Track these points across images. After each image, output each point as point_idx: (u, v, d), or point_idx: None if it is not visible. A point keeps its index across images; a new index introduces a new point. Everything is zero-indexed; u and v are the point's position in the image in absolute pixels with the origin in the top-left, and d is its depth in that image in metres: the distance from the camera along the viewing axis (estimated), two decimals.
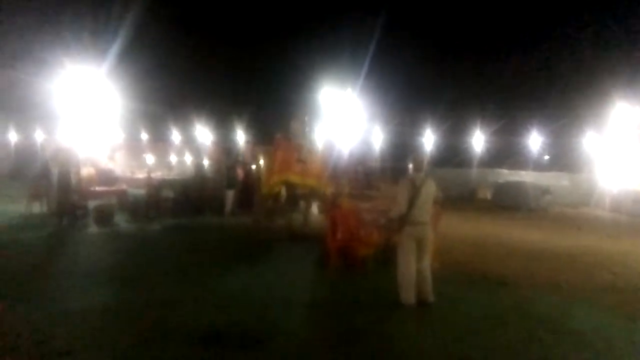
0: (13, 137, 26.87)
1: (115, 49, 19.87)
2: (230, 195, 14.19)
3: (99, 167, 25.72)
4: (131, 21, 20.30)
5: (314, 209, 12.76)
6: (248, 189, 14.33)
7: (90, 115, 19.55)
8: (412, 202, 5.19)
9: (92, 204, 12.68)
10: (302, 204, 11.68)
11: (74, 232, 10.16)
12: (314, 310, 5.31)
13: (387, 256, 7.09)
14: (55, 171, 13.49)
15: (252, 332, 4.59)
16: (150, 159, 30.18)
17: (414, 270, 5.33)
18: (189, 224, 11.83)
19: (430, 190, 5.37)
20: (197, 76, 28.97)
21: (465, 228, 12.59)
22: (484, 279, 6.93)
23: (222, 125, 23.92)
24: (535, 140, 20.15)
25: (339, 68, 19.15)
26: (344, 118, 15.78)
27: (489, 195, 24.26)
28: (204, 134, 23.58)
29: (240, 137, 23.41)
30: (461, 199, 22.88)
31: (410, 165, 5.65)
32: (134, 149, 29.74)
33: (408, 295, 5.34)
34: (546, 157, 26.69)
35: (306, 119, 10.86)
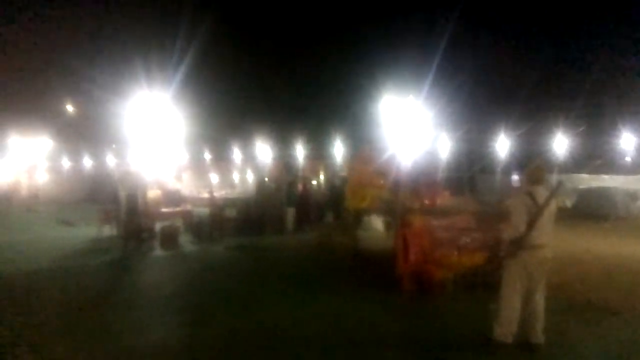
0: (88, 162, 28.55)
1: (179, 72, 20.50)
2: (290, 212, 13.84)
3: (167, 188, 26.72)
4: (195, 43, 20.89)
5: (379, 224, 12.07)
6: (307, 206, 13.92)
7: (158, 139, 20.26)
8: (531, 222, 4.22)
9: (158, 225, 12.85)
10: (366, 220, 11.06)
11: (139, 256, 10.17)
12: (387, 350, 4.60)
13: (471, 280, 6.29)
14: (123, 194, 13.88)
15: None
16: (214, 178, 30.91)
17: (518, 303, 4.40)
18: (252, 244, 11.55)
19: (552, 207, 4.38)
20: (257, 93, 29.41)
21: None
22: (590, 305, 5.88)
23: (282, 141, 23.90)
24: (625, 141, 18.11)
25: (402, 74, 18.46)
26: (407, 127, 14.96)
27: (569, 204, 22.25)
28: (264, 150, 23.65)
29: (300, 152, 23.20)
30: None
31: (527, 176, 4.58)
32: (198, 169, 30.59)
33: (505, 332, 4.41)
34: (627, 159, 24.11)
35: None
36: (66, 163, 27.77)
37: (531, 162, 4.74)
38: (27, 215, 21.15)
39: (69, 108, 27.25)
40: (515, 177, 22.34)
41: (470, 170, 25.07)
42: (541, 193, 4.36)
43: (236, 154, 26.38)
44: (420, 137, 15.55)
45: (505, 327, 4.42)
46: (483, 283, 6.28)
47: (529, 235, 4.23)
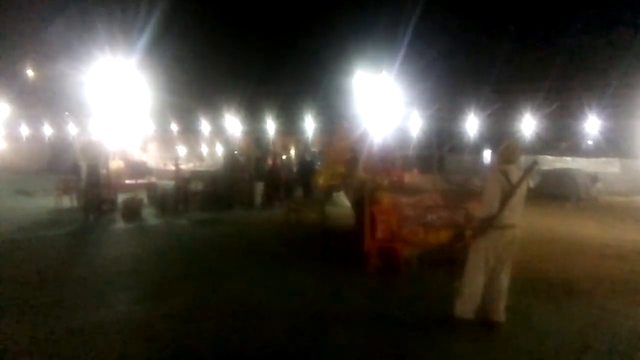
0: (48, 131, 27.28)
1: (144, 39, 19.59)
2: (259, 187, 13.64)
3: (132, 159, 25.89)
4: (160, 11, 19.95)
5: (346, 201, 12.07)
6: (276, 181, 13.74)
7: (122, 108, 19.45)
8: (504, 201, 4.17)
9: (121, 197, 12.42)
10: (336, 196, 11.00)
11: (99, 229, 9.80)
12: (352, 326, 4.56)
13: (436, 258, 6.32)
14: (84, 165, 13.32)
15: (281, 354, 3.93)
16: (181, 150, 30.14)
17: (482, 281, 4.39)
18: (218, 219, 11.31)
19: (524, 186, 4.30)
20: (226, 64, 28.51)
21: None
22: (549, 285, 6.01)
23: (252, 115, 23.39)
24: (589, 125, 18.57)
25: (374, 50, 18.23)
26: (379, 103, 14.86)
27: (532, 184, 22.85)
28: (233, 124, 23.11)
29: (271, 126, 22.81)
30: None
31: (500, 155, 4.46)
32: (165, 140, 29.73)
33: (466, 309, 4.44)
34: (589, 142, 24.88)
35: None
36: (25, 130, 26.43)
37: (503, 141, 4.64)
38: None
39: (29, 72, 25.77)
40: (486, 156, 22.71)
41: (440, 149, 25.33)
42: (514, 172, 4.30)
43: (205, 126, 25.69)
44: (392, 113, 15.51)
45: (467, 304, 4.43)
46: (448, 261, 6.32)
47: (501, 214, 4.18)
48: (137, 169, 22.41)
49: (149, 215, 11.54)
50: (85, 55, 18.75)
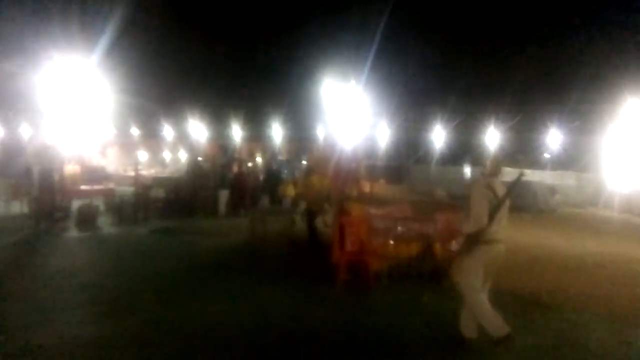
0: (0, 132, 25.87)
1: (105, 39, 18.78)
2: (224, 195, 13.25)
3: (90, 164, 24.83)
4: (122, 10, 19.22)
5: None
6: (242, 189, 13.39)
7: (80, 110, 18.56)
8: (492, 215, 4.02)
9: (76, 204, 11.77)
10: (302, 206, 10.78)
11: (51, 238, 9.18)
12: (319, 344, 4.32)
13: (405, 271, 6.19)
14: (36, 169, 12.57)
15: None
16: (143, 155, 29.17)
17: (485, 298, 4.16)
18: (179, 228, 10.85)
19: (507, 200, 4.17)
20: (192, 68, 27.89)
21: None
22: (516, 298, 5.97)
23: (218, 121, 22.88)
24: (549, 138, 19.21)
25: (342, 59, 18.20)
26: (347, 113, 14.78)
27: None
28: (198, 129, 22.53)
29: (237, 133, 22.38)
30: (463, 199, 21.99)
31: (486, 168, 4.35)
32: (126, 145, 28.72)
33: (500, 323, 4.02)
34: (547, 156, 25.81)
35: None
36: None
37: (492, 154, 4.54)
38: None
39: None
40: (467, 169, 23.04)
41: (407, 160, 25.61)
42: (499, 185, 4.20)
43: (168, 131, 24.96)
44: (360, 123, 15.45)
45: (496, 321, 4.05)
46: (418, 274, 6.23)
47: (489, 228, 4.04)
48: (95, 175, 21.51)
49: (106, 224, 10.96)
50: (41, 54, 17.77)
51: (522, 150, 21.97)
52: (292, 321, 4.88)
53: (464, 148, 23.54)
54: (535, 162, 23.37)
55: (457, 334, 4.37)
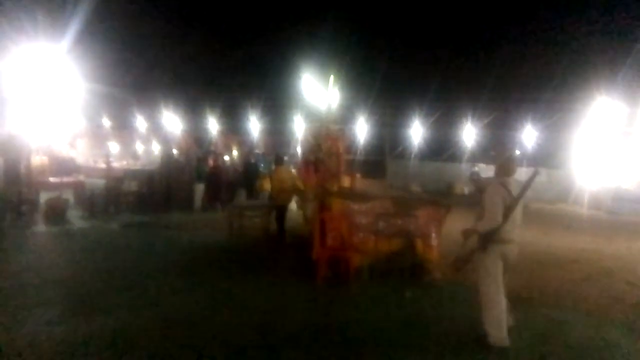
0: None
1: (75, 25, 18.04)
2: (200, 189, 12.96)
3: (58, 155, 23.93)
4: None
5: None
6: (218, 182, 13.12)
7: (48, 99, 17.85)
8: (507, 214, 4.06)
9: (44, 196, 11.30)
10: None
11: (16, 232, 8.74)
12: (297, 342, 4.22)
13: (385, 267, 6.14)
14: (1, 160, 12.03)
15: None
16: (114, 147, 28.34)
17: (503, 299, 4.22)
18: (152, 222, 10.54)
19: (523, 200, 4.20)
20: (166, 59, 27.28)
21: (451, 227, 11.75)
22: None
23: (193, 113, 22.41)
24: (522, 136, 19.56)
25: (321, 53, 18.05)
26: (324, 106, 14.66)
27: (465, 191, 23.78)
28: (172, 121, 22.00)
29: (213, 125, 21.95)
30: (437, 194, 22.26)
31: (500, 167, 4.36)
32: (97, 136, 27.84)
33: (503, 333, 4.14)
34: (518, 152, 26.35)
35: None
36: None
37: (505, 152, 4.56)
38: None
39: None
40: (474, 169, 23.24)
41: (384, 155, 25.70)
42: (513, 184, 4.23)
43: (140, 122, 24.30)
44: (338, 118, 15.36)
45: (500, 328, 4.15)
46: (398, 269, 6.19)
47: (504, 227, 4.08)
48: (64, 166, 20.75)
49: (75, 218, 10.54)
50: (7, 40, 16.98)
51: (494, 146, 22.33)
52: (269, 318, 4.74)
53: (441, 144, 23.79)
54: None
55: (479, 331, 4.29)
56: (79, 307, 4.83)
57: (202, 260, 7.11)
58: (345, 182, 10.24)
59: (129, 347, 3.95)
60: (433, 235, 6.35)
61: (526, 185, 4.22)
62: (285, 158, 8.83)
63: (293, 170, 9.04)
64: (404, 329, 4.63)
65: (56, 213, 10.21)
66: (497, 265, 4.21)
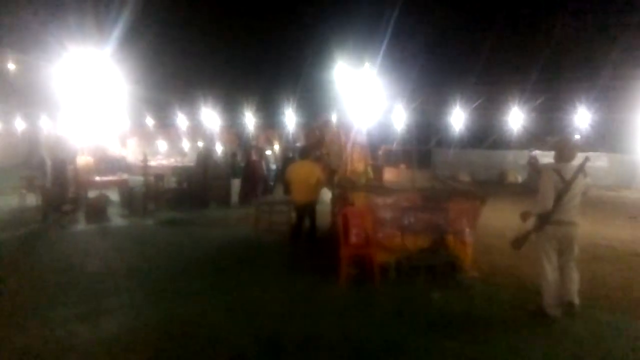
0: (21, 125, 26.18)
1: (118, 31, 18.65)
2: (235, 184, 12.94)
3: (111, 154, 24.98)
4: (135, 2, 19.01)
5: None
6: (254, 177, 13.02)
7: (96, 100, 18.56)
8: (558, 198, 4.36)
9: (91, 194, 11.68)
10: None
11: (55, 231, 9.01)
12: (313, 353, 3.93)
13: (413, 265, 5.72)
14: (49, 161, 12.53)
15: None
16: (162, 145, 29.16)
17: (553, 276, 4.56)
18: (187, 219, 10.59)
19: (580, 183, 4.48)
20: (204, 56, 27.65)
21: (499, 219, 11.00)
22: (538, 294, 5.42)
23: (231, 109, 22.52)
24: (578, 119, 18.08)
25: (356, 41, 17.51)
26: (361, 96, 14.20)
27: (519, 179, 22.51)
28: (212, 118, 22.24)
29: (250, 120, 21.98)
30: (489, 183, 21.18)
31: (557, 153, 4.62)
32: (145, 135, 28.75)
33: (551, 305, 4.54)
34: (577, 137, 24.54)
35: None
36: None
37: (560, 137, 4.91)
38: None
39: (11, 66, 24.67)
40: (532, 153, 22.22)
41: (426, 144, 24.80)
42: (569, 170, 4.44)
43: (183, 120, 24.79)
44: (375, 106, 14.84)
45: (550, 300, 4.52)
46: (427, 268, 5.75)
47: (556, 211, 4.37)
48: (116, 165, 21.60)
49: (115, 215, 10.79)
50: (57, 46, 17.77)
51: (549, 132, 20.89)
52: (284, 324, 4.45)
53: (486, 130, 22.54)
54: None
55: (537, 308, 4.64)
56: (93, 308, 4.78)
57: (226, 258, 6.97)
58: (386, 173, 9.77)
59: (130, 353, 3.82)
60: (467, 230, 5.84)
61: (577, 171, 4.39)
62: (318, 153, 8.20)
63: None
64: (429, 335, 4.22)
65: (96, 211, 10.47)
66: (551, 245, 4.52)
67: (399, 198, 5.90)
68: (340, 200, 6.75)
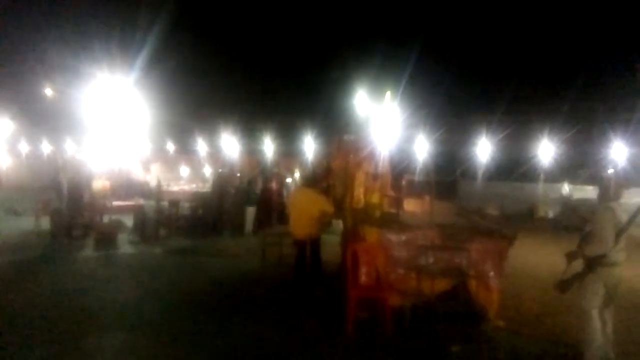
0: (47, 148, 26.85)
1: (142, 58, 18.97)
2: (250, 212, 12.52)
3: (136, 178, 25.16)
4: (158, 30, 19.37)
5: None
6: (269, 205, 12.59)
7: (121, 125, 18.77)
8: (617, 238, 4.12)
9: (106, 219, 11.47)
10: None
11: (61, 257, 8.72)
12: None
13: (433, 312, 5.08)
14: (65, 184, 12.46)
15: None
16: (185, 170, 29.29)
17: (601, 323, 4.22)
18: (198, 247, 10.17)
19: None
20: (224, 84, 27.97)
21: (530, 258, 10.18)
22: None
23: (250, 135, 22.48)
24: (613, 151, 17.11)
25: (377, 70, 17.25)
26: (383, 126, 13.74)
27: (550, 214, 21.42)
28: (231, 144, 22.21)
29: (269, 147, 21.81)
30: (519, 218, 20.18)
31: (602, 190, 4.42)
32: (168, 160, 28.99)
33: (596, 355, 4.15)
34: (611, 170, 23.30)
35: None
36: (24, 147, 26.00)
37: (611, 175, 4.76)
38: None
39: (48, 92, 25.55)
40: (565, 188, 21.35)
41: (452, 175, 24.04)
42: (619, 209, 4.26)
43: (203, 146, 24.92)
44: (396, 136, 14.35)
45: (597, 355, 4.16)
46: (446, 316, 5.09)
47: (612, 251, 4.14)
48: (132, 190, 21.61)
49: (125, 242, 10.47)
50: (84, 73, 18.20)
51: (582, 165, 19.92)
52: None
53: (513, 162, 21.64)
54: (597, 178, 21.02)
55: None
56: (66, 347, 4.32)
57: (222, 296, 6.36)
58: (409, 205, 9.02)
59: None
60: (491, 273, 5.19)
61: (636, 212, 4.16)
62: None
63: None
64: None
65: (106, 238, 10.18)
66: (600, 289, 4.22)
67: (415, 235, 5.32)
68: (349, 234, 6.18)
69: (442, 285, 5.15)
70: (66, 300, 5.92)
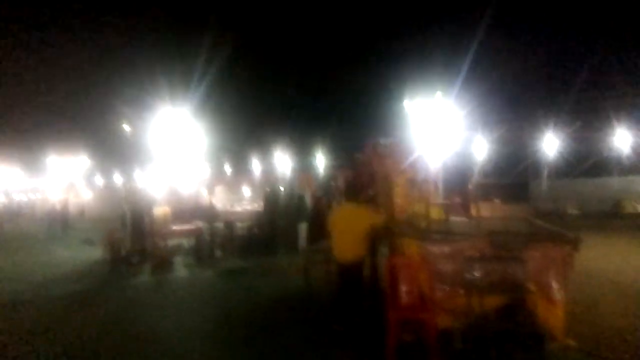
0: (119, 179, 28.67)
1: (200, 90, 19.87)
2: (302, 228, 12.28)
3: (205, 202, 26.06)
4: (215, 66, 20.19)
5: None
6: (320, 221, 12.26)
7: (183, 154, 19.60)
8: None
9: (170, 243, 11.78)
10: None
11: (117, 283, 8.96)
12: None
13: (486, 333, 4.45)
14: (129, 214, 12.98)
15: None
16: (247, 191, 29.99)
17: None
18: (250, 268, 10.08)
19: None
20: (277, 103, 28.44)
21: (611, 260, 8.99)
22: None
23: (302, 152, 22.49)
24: None
25: (430, 71, 16.52)
26: (435, 127, 13.05)
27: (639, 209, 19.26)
28: (286, 162, 22.32)
29: (321, 161, 21.61)
30: (602, 216, 18.31)
31: None
32: (230, 182, 29.83)
33: None
34: None
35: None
36: (99, 180, 28.03)
37: None
38: (61, 233, 21.01)
39: (126, 127, 27.61)
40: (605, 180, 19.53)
41: (520, 176, 22.45)
42: None
43: (258, 166, 25.31)
44: (451, 137, 13.56)
45: None
46: (502, 336, 4.43)
47: None
48: (197, 214, 22.22)
49: (180, 265, 10.63)
50: (149, 106, 19.34)
51: None
52: None
53: (584, 156, 19.68)
54: None
55: None
56: None
57: (265, 318, 6.13)
58: (475, 210, 8.32)
59: None
60: (554, 284, 4.47)
61: None
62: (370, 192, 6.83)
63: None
64: None
65: (162, 262, 10.42)
66: None
67: (461, 245, 4.73)
68: (390, 249, 5.63)
69: (495, 301, 4.50)
70: (113, 329, 5.93)
